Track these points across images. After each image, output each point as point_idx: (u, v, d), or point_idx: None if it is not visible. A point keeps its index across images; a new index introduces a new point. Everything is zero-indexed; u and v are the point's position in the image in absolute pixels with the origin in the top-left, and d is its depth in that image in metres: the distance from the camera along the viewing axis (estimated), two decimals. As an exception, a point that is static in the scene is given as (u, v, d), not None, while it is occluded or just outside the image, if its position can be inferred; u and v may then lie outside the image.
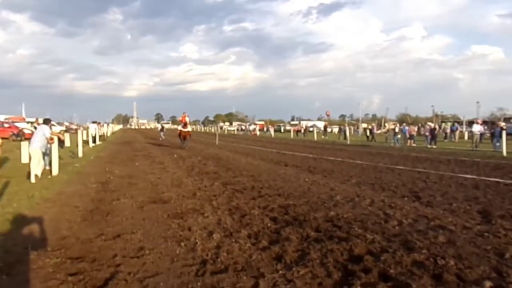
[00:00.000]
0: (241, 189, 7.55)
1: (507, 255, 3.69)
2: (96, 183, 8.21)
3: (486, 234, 4.42)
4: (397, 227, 4.76)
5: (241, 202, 6.30)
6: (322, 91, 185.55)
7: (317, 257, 3.68)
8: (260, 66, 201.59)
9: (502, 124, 26.62)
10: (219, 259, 3.66)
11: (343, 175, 9.76)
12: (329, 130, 48.80)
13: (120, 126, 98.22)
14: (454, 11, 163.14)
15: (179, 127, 19.86)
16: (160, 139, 31.83)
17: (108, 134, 38.51)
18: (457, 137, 31.05)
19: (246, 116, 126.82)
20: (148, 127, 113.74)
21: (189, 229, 4.69)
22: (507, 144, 17.43)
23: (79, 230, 4.59)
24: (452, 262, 3.46)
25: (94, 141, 22.77)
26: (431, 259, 3.55)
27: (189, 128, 19.58)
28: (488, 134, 27.09)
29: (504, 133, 17.78)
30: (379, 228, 4.69)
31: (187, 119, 19.25)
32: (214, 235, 4.42)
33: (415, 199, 6.59)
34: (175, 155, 15.36)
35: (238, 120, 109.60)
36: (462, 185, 8.06)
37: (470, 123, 44.48)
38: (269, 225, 4.90)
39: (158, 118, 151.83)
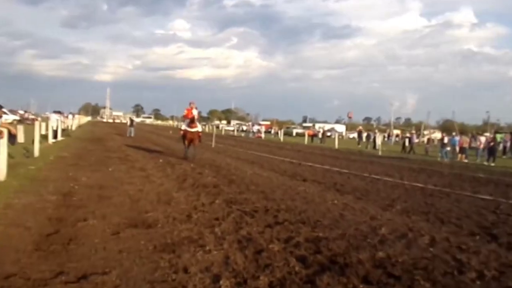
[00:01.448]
0: (251, 211, 7.11)
1: None
2: (55, 194, 7.70)
3: None
4: (478, 282, 4.23)
5: (253, 230, 5.81)
6: (343, 86, 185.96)
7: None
8: (267, 52, 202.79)
9: None
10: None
11: (382, 198, 9.35)
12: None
13: (89, 118, 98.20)
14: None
15: (183, 126, 16.54)
16: (128, 135, 32.04)
17: (73, 128, 38.16)
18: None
19: (248, 114, 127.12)
20: (124, 121, 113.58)
21: (185, 270, 4.17)
22: None
23: (29, 265, 4.06)
24: None
25: (55, 136, 22.29)
26: None
27: (198, 128, 15.98)
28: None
29: None
30: (454, 283, 4.16)
31: (195, 112, 15.72)
32: (221, 282, 3.89)
33: (491, 239, 6.10)
34: (161, 160, 14.92)
35: (237, 118, 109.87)
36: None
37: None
38: (297, 269, 4.39)
39: (138, 110, 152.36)
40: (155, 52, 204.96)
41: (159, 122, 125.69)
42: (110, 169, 11.72)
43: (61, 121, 26.80)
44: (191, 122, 15.55)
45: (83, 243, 4.90)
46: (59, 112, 26.54)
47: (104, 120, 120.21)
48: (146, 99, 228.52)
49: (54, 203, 6.98)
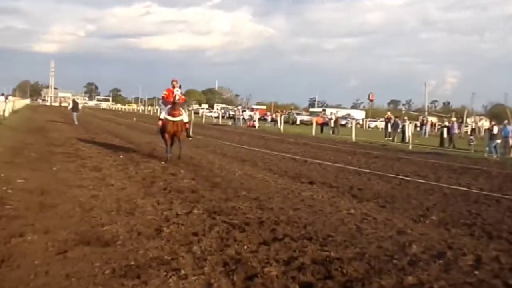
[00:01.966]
0: (241, 223, 7.14)
1: None
2: (-18, 200, 7.69)
3: None
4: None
5: (244, 249, 5.84)
6: (362, 60, 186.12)
7: None
8: (263, 14, 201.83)
9: None
10: None
11: (413, 206, 9.45)
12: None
13: (27, 101, 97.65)
14: None
15: (162, 113, 15.23)
16: (76, 123, 33.19)
17: (6, 114, 37.83)
18: None
19: (237, 96, 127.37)
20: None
21: (154, 302, 4.17)
22: None
23: None
24: None
25: (-19, 125, 22.18)
26: None
27: (183, 116, 15.08)
28: None
29: None
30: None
31: (177, 92, 14.49)
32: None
33: (554, 259, 6.15)
34: (121, 156, 14.94)
35: (223, 101, 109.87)
36: None
37: None
38: (301, 299, 4.42)
39: (91, 90, 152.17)
40: (115, 14, 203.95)
41: (119, 106, 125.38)
42: (54, 168, 11.73)
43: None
44: (173, 108, 14.51)
45: (19, 265, 4.88)
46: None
47: (47, 103, 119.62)
48: (102, 75, 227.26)
49: (-21, 213, 6.93)
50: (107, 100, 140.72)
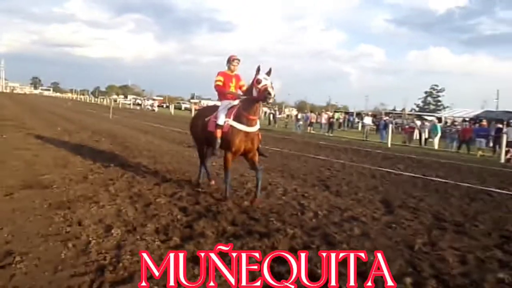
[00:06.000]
0: (143, 172, 6.89)
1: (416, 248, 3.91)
2: None
3: (393, 225, 4.67)
4: (314, 220, 4.73)
5: (143, 188, 5.68)
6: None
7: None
8: (161, 38, 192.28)
9: (386, 118, 30.38)
10: (120, 264, 3.04)
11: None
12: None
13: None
14: (348, 10, 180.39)
15: (221, 115, 5.27)
16: None
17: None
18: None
19: (143, 90, 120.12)
20: (21, 92, 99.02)
21: (79, 223, 3.91)
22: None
23: None
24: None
25: None
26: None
27: (257, 123, 5.31)
28: (373, 126, 30.04)
29: (390, 126, 20.13)
30: (297, 221, 4.59)
31: (266, 80, 4.91)
32: (113, 231, 3.74)
33: (325, 188, 6.79)
34: (59, 128, 13.49)
35: (134, 93, 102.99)
36: (362, 175, 8.71)
37: (358, 114, 50.15)
38: (179, 217, 4.42)
39: (36, 83, 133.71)
40: (53, 29, 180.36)
41: (58, 94, 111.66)
42: (4, 136, 10.32)
43: None
44: (250, 110, 5.13)
45: (-26, 204, 4.27)
46: None
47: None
48: (44, 72, 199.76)
49: None
50: (49, 90, 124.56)
